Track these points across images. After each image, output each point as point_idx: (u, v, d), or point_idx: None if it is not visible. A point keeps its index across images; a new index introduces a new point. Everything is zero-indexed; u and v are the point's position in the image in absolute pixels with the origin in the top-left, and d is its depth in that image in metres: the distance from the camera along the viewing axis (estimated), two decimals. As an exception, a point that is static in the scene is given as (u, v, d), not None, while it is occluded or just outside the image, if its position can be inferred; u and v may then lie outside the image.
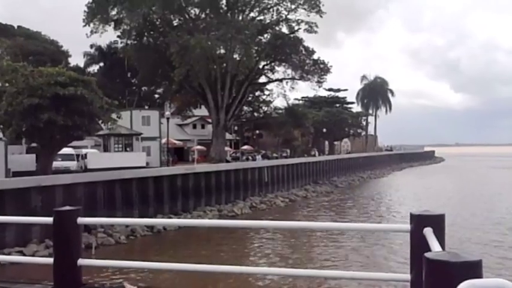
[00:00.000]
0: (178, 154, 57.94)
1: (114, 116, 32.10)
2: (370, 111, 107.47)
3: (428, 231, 3.35)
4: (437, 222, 3.55)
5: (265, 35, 53.28)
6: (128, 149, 46.58)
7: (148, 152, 48.04)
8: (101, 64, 68.14)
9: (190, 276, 14.71)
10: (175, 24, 51.62)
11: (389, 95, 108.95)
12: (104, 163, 36.95)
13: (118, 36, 52.96)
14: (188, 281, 15.71)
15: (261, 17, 52.09)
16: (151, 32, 52.40)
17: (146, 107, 61.48)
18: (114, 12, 47.93)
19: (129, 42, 52.73)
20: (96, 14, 47.16)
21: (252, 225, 5.54)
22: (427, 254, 2.25)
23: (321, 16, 50.45)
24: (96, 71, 66.57)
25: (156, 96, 70.80)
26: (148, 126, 49.50)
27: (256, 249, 23.56)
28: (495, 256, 20.63)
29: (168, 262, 3.77)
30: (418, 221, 3.55)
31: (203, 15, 50.64)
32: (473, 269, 2.12)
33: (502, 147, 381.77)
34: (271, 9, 51.37)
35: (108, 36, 55.47)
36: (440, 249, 2.92)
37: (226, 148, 59.50)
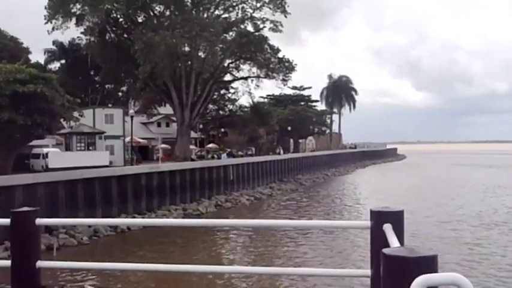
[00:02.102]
0: (143, 153, 57.23)
1: (76, 114, 31.51)
2: (335, 110, 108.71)
3: (387, 227, 3.41)
4: (396, 219, 3.61)
5: (231, 33, 53.17)
6: (90, 148, 45.74)
7: (112, 150, 47.28)
8: (63, 61, 66.64)
9: (155, 276, 14.59)
10: (139, 21, 50.96)
11: (353, 93, 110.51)
12: (65, 162, 36.20)
13: (81, 33, 51.90)
14: (152, 281, 15.58)
15: (226, 15, 51.97)
16: (115, 29, 51.56)
17: (110, 105, 60.47)
18: (76, 8, 46.96)
19: (92, 39, 51.75)
20: (58, 10, 46.08)
21: (216, 223, 5.53)
22: (385, 250, 2.29)
23: (285, 16, 50.73)
24: (57, 68, 65.06)
25: (120, 94, 69.74)
26: (112, 125, 48.69)
27: (221, 247, 23.54)
28: (451, 251, 21.19)
29: (132, 262, 3.72)
30: (378, 218, 3.61)
31: (168, 13, 50.13)
32: (429, 264, 2.17)
33: (462, 144, 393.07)
34: (236, 7, 51.31)
35: (71, 32, 54.21)
36: (398, 244, 2.98)
37: (192, 146, 59.15)
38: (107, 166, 38.75)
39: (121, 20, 51.11)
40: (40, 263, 4.90)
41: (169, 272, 4.00)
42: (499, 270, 18.48)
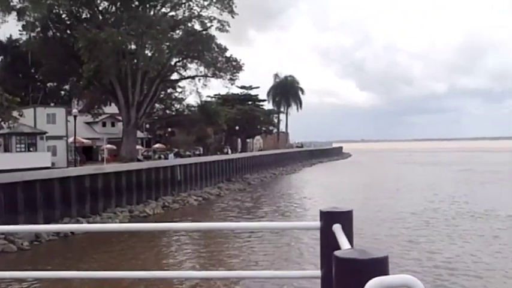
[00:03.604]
0: (87, 153, 55.76)
1: (15, 113, 30.27)
2: (282, 109, 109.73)
3: (337, 228, 3.39)
4: (345, 219, 3.60)
5: (178, 31, 52.61)
6: (31, 149, 44.11)
7: (54, 151, 45.78)
8: (1, 58, 63.94)
9: (100, 283, 14.10)
10: (83, 17, 49.55)
11: (300, 93, 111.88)
12: (4, 164, 34.69)
13: (22, 27, 49.82)
14: None
15: (173, 13, 51.40)
16: (58, 25, 49.92)
17: (52, 104, 58.51)
18: (16, 2, 45.20)
19: (33, 34, 49.90)
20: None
21: (164, 227, 5.40)
22: (336, 252, 2.25)
23: (232, 16, 50.69)
24: (-5, 65, 62.35)
25: (63, 92, 67.62)
26: (54, 125, 47.12)
27: (169, 251, 23.22)
28: (397, 249, 21.78)
29: (75, 270, 3.54)
30: (327, 218, 3.59)
31: (113, 9, 49.04)
32: (381, 266, 2.15)
33: (404, 142, 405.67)
34: (183, 6, 50.82)
35: (10, 28, 52.09)
36: (348, 245, 2.96)
37: (138, 147, 58.14)
38: (48, 168, 37.48)
39: (64, 16, 49.56)
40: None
41: (116, 279, 3.83)
42: (443, 267, 19.14)
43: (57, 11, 48.06)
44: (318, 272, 3.62)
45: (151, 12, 49.10)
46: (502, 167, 76.48)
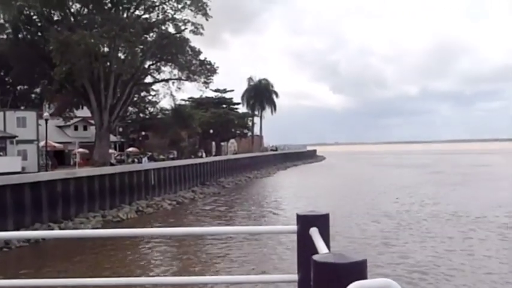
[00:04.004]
0: (59, 158, 54.82)
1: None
2: (256, 112, 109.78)
3: (314, 232, 3.37)
4: (322, 222, 3.59)
5: (151, 34, 52.17)
6: (0, 153, 43.13)
7: (25, 156, 44.83)
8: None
9: None
10: (55, 19, 48.72)
11: (274, 96, 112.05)
12: (-28, 169, 33.88)
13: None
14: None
15: (147, 16, 50.95)
16: (28, 27, 49.00)
17: (22, 108, 57.36)
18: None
19: (3, 37, 48.88)
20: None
21: (135, 233, 5.30)
22: (315, 257, 2.24)
23: (207, 19, 50.48)
24: (-38, 68, 60.84)
25: (34, 95, 66.34)
26: (24, 128, 46.16)
27: (142, 257, 22.95)
28: (372, 251, 21.98)
29: (46, 278, 3.44)
30: (304, 222, 3.57)
31: (85, 11, 48.37)
32: (359, 270, 2.15)
33: (377, 145, 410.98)
34: (157, 8, 50.43)
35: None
36: (326, 249, 2.95)
37: (111, 150, 57.41)
38: (19, 172, 36.69)
39: (35, 17, 48.67)
40: None
41: (88, 286, 3.74)
42: (418, 269, 19.39)
43: (27, 12, 47.19)
44: (295, 276, 3.60)
45: (125, 15, 48.60)
46: (473, 169, 78.05)
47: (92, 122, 54.76)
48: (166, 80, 56.87)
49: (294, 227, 3.59)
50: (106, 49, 47.27)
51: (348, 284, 1.86)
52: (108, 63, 47.52)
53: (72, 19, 47.34)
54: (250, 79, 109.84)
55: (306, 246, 3.36)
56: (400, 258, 20.88)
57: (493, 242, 24.15)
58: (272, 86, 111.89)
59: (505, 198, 40.49)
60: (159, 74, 56.50)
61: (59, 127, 62.86)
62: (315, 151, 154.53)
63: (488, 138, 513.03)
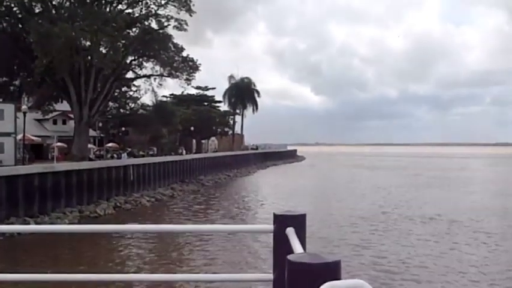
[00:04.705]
0: (36, 152, 54.06)
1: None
2: (238, 111, 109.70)
3: (290, 231, 3.41)
4: (299, 222, 3.63)
5: (134, 29, 51.72)
6: (-24, 145, 42.37)
7: (2, 149, 44.06)
8: None
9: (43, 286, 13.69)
10: (36, 11, 47.98)
11: (256, 95, 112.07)
12: None
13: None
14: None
15: (130, 10, 50.49)
16: (8, 18, 48.19)
17: (0, 100, 56.37)
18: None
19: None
20: None
21: (111, 229, 5.27)
22: (290, 256, 2.27)
23: (190, 15, 50.28)
24: None
25: (12, 88, 65.27)
26: (2, 121, 45.34)
27: (118, 253, 22.78)
28: (349, 253, 22.17)
29: (20, 273, 3.41)
30: (281, 221, 3.61)
31: (67, 4, 47.76)
32: (333, 270, 2.19)
33: (357, 147, 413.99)
34: (140, 3, 50.01)
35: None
36: (301, 249, 2.99)
37: (90, 145, 56.85)
38: (-5, 165, 36.12)
39: (15, 9, 47.88)
40: None
41: (63, 282, 3.72)
42: (391, 271, 19.61)
43: (8, 3, 46.43)
44: (270, 276, 3.63)
45: (107, 9, 48.13)
46: (449, 172, 79.16)
47: (72, 116, 54.15)
48: (148, 76, 56.49)
49: (271, 227, 3.62)
50: (88, 43, 46.75)
51: (321, 284, 1.89)
52: (90, 57, 47.01)
53: (53, 11, 46.70)
54: (231, 77, 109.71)
55: (282, 246, 3.39)
56: (374, 259, 21.11)
57: (465, 244, 24.56)
58: (254, 85, 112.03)
59: (478, 201, 41.22)
60: (141, 69, 56.12)
61: (38, 120, 62.02)
62: (295, 151, 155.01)
63: (465, 142, 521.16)
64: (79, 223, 28.16)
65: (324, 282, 1.91)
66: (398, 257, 21.46)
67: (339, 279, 2.06)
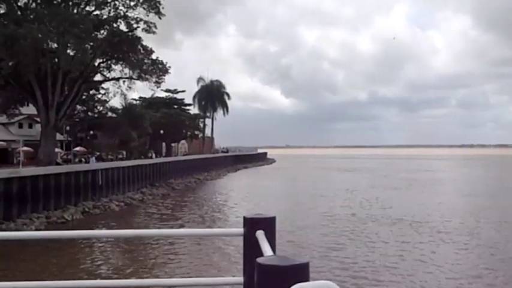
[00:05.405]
0: (1, 156, 52.93)
1: None
2: (208, 114, 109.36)
3: (260, 234, 3.41)
4: (268, 225, 3.64)
5: (102, 31, 51.02)
6: None
7: (-36, 153, 43.00)
8: None
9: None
10: (1, 12, 46.89)
11: (226, 97, 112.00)
12: None
13: None
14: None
15: (98, 12, 49.82)
16: (-29, 19, 46.97)
17: (-38, 103, 54.89)
18: None
19: None
20: None
21: (78, 235, 5.19)
22: (259, 259, 2.27)
23: (160, 18, 49.92)
24: None
25: (-25, 91, 63.70)
26: (-35, 125, 44.30)
27: (84, 259, 22.39)
28: (318, 255, 22.32)
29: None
30: (251, 224, 3.61)
31: (33, 5, 46.82)
32: (302, 272, 2.19)
33: (327, 149, 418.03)
34: (108, 5, 49.40)
35: None
36: (271, 251, 2.99)
37: (57, 150, 55.83)
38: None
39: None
40: None
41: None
42: (358, 272, 19.83)
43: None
44: (240, 279, 3.63)
45: (75, 10, 47.37)
46: (417, 174, 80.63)
47: (38, 119, 53.08)
48: (117, 79, 55.79)
49: (241, 230, 3.62)
50: (54, 45, 45.94)
51: (290, 286, 1.90)
52: (56, 60, 46.19)
53: (19, 13, 45.74)
54: (200, 79, 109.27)
55: (251, 249, 3.39)
56: (343, 260, 21.33)
57: (431, 243, 25.05)
58: (224, 88, 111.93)
59: (444, 202, 42.12)
60: (109, 72, 55.37)
61: (3, 124, 60.62)
62: (265, 154, 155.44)
63: (433, 144, 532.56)
64: (46, 229, 27.61)
65: (293, 284, 1.92)
66: (366, 258, 21.74)
67: (307, 281, 2.08)
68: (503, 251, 23.53)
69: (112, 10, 49.61)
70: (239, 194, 51.04)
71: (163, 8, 49.51)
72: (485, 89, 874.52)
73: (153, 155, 70.94)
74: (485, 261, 21.33)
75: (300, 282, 1.96)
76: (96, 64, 52.27)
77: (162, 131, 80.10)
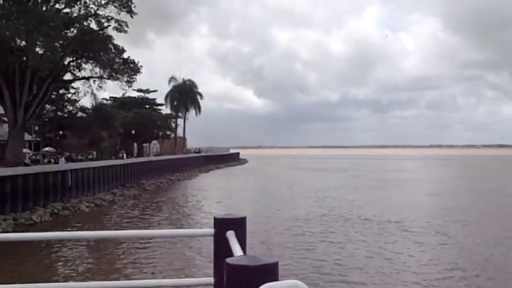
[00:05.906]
0: (-34, 156, 51.50)
1: None
2: (180, 114, 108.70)
3: (230, 235, 3.44)
4: (239, 225, 3.67)
5: (72, 29, 50.20)
6: None
7: None
8: None
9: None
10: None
11: (199, 97, 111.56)
12: None
13: None
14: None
15: (68, 10, 49.01)
16: None
17: None
18: None
19: None
20: None
21: (46, 237, 5.11)
22: (228, 260, 2.31)
23: (131, 16, 49.42)
24: None
25: None
26: None
27: (51, 262, 21.99)
28: (288, 255, 22.43)
29: None
30: (221, 225, 3.64)
31: (1, 2, 45.79)
32: (270, 272, 2.23)
33: (299, 149, 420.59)
34: (78, 3, 48.65)
35: None
36: (241, 252, 3.03)
37: (25, 150, 54.75)
38: None
39: None
40: None
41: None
42: (328, 272, 20.03)
43: None
44: (210, 279, 3.65)
45: (44, 8, 46.50)
46: (388, 174, 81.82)
47: (5, 119, 51.93)
48: (87, 78, 54.99)
49: (211, 230, 3.64)
50: (23, 43, 45.03)
51: (259, 286, 1.93)
52: (25, 58, 45.27)
53: (-15, 9, 44.72)
54: (172, 79, 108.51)
55: (222, 249, 3.42)
56: (312, 261, 21.48)
57: (398, 243, 25.48)
58: (197, 87, 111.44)
59: (413, 201, 42.90)
60: (79, 71, 54.52)
61: (-32, 123, 59.04)
62: (238, 154, 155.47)
63: (402, 144, 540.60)
64: (13, 231, 27.06)
65: (262, 283, 1.95)
66: (335, 258, 21.96)
67: (276, 280, 2.11)
68: (469, 249, 24.09)
69: (82, 8, 48.85)
70: (211, 194, 50.93)
71: (135, 6, 49.05)
72: (453, 91, 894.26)
73: (124, 156, 70.11)
74: (451, 260, 21.79)
75: (268, 281, 2.00)
76: (66, 63, 51.43)
77: (133, 131, 79.32)
